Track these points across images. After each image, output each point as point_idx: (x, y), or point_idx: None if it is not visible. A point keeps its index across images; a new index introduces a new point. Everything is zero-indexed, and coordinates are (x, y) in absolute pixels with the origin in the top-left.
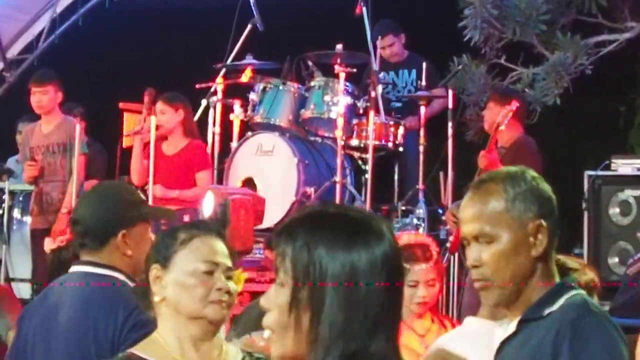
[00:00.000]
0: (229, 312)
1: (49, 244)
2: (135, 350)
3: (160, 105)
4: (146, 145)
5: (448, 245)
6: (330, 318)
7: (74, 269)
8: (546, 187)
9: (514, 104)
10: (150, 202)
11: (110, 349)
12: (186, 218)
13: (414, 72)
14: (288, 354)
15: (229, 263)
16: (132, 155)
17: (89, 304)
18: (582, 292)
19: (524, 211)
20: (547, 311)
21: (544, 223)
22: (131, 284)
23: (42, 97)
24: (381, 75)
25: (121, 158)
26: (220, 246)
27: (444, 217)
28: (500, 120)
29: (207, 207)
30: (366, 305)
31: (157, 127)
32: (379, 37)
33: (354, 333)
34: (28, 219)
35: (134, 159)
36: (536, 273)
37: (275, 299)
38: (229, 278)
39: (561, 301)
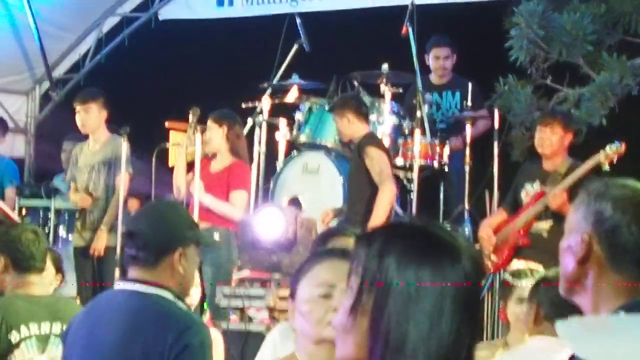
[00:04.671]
0: None
1: None
2: None
3: (208, 122)
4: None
5: (488, 265)
6: (388, 330)
7: (122, 285)
8: None
9: (623, 146)
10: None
11: None
12: (216, 236)
13: (457, 94)
14: (348, 357)
15: None
16: (174, 170)
17: (138, 324)
18: None
19: None
20: None
21: None
22: (180, 304)
23: (85, 115)
24: (426, 95)
25: (159, 175)
26: (344, 267)
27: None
28: (603, 162)
29: (273, 225)
30: (431, 325)
31: (204, 144)
32: (437, 46)
33: (411, 350)
34: (72, 237)
35: (176, 173)
36: None
37: (343, 301)
38: None
39: None
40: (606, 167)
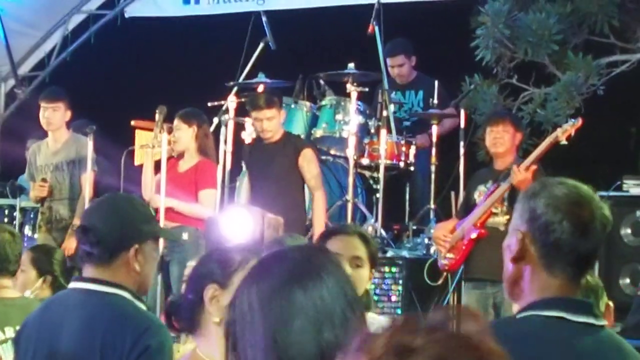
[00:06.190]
0: None
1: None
2: None
3: (175, 121)
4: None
5: (445, 263)
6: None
7: (76, 285)
8: None
9: (579, 120)
10: (161, 219)
11: None
12: (185, 236)
13: (420, 92)
14: None
15: None
16: (143, 170)
17: (95, 327)
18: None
19: None
20: None
21: None
22: (137, 303)
23: (53, 113)
24: (392, 95)
25: (129, 174)
26: None
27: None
28: (561, 137)
29: (240, 225)
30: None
31: (170, 143)
32: (390, 56)
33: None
34: (38, 236)
35: (144, 173)
36: None
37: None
38: None
39: None
40: (564, 142)
